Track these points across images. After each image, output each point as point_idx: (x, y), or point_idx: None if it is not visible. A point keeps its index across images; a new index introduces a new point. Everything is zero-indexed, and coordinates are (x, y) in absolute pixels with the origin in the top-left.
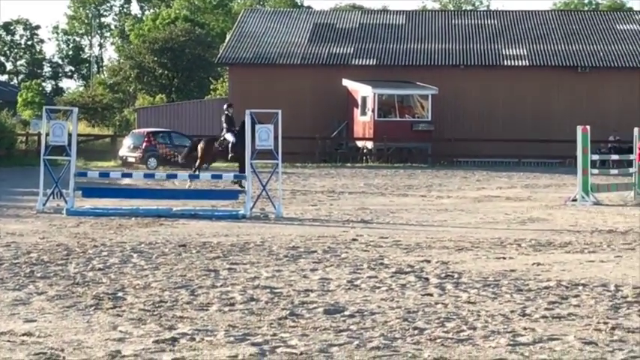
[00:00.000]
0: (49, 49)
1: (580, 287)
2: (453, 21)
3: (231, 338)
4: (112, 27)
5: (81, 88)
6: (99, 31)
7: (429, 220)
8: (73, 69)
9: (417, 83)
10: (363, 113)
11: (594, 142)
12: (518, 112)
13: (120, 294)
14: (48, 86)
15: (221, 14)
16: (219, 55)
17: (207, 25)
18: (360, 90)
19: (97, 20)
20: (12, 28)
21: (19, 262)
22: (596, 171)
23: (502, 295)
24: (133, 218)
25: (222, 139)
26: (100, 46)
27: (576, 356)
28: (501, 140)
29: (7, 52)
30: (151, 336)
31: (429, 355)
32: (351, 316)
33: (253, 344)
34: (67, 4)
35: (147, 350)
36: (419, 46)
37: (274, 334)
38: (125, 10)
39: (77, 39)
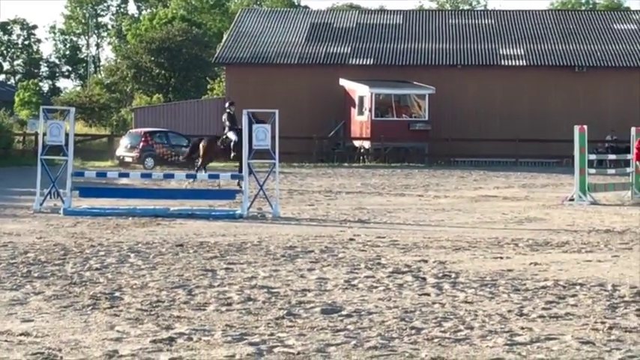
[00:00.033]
0: (46, 49)
1: (577, 287)
2: (450, 21)
3: (229, 338)
4: (109, 27)
5: (78, 88)
6: (96, 31)
7: (426, 219)
8: (70, 69)
9: (414, 83)
10: (361, 113)
11: (591, 142)
12: (516, 112)
13: (117, 294)
14: (45, 86)
15: (218, 14)
16: (216, 55)
17: (205, 25)
18: (358, 90)
19: (94, 20)
20: (9, 27)
21: (17, 261)
22: (593, 171)
23: (499, 294)
24: (130, 218)
25: (224, 137)
26: (97, 45)
27: (573, 356)
28: (499, 140)
29: (4, 51)
30: (149, 336)
31: (426, 355)
32: (349, 315)
33: (250, 344)
34: (64, 4)
35: (144, 350)
36: (416, 46)
37: (271, 334)
38: (122, 9)
39: (74, 39)
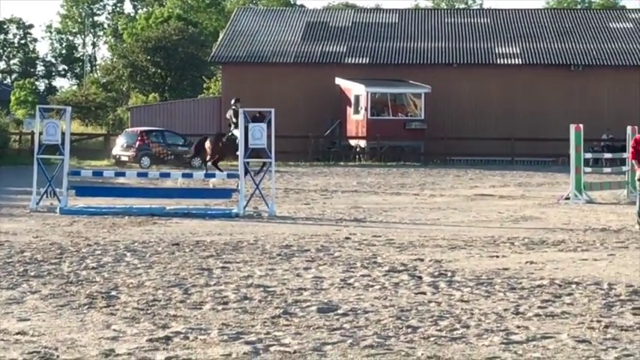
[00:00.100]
0: (42, 48)
1: (573, 285)
2: (446, 19)
3: (225, 337)
4: (105, 26)
5: (74, 87)
6: (92, 30)
7: (422, 218)
8: (66, 68)
9: (410, 82)
10: (356, 112)
11: (587, 141)
12: (512, 111)
13: (113, 293)
14: (41, 85)
15: (214, 13)
16: (212, 54)
17: (201, 24)
18: (353, 88)
19: (90, 19)
20: (5, 27)
21: (13, 261)
22: (589, 169)
23: (495, 293)
24: (127, 217)
25: (229, 134)
26: (93, 45)
27: (569, 354)
28: (494, 139)
29: (0, 51)
30: (145, 335)
31: (422, 354)
32: (345, 314)
33: (247, 343)
34: (60, 3)
35: (140, 349)
36: (412, 45)
37: (268, 333)
38: (118, 9)
39: (70, 38)
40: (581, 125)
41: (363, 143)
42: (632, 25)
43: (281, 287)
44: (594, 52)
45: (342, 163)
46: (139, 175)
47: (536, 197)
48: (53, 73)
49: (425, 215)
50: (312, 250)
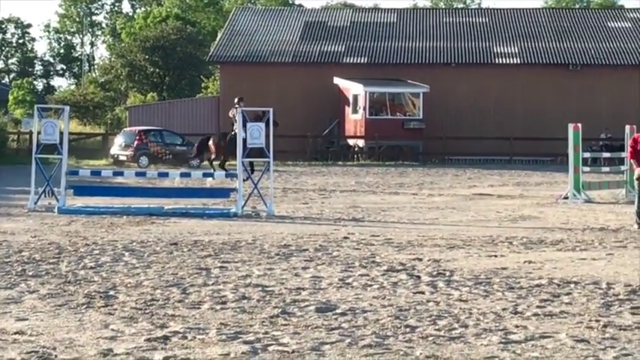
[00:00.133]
0: (41, 48)
1: (572, 285)
2: (445, 19)
3: (223, 336)
4: (104, 25)
5: (72, 87)
6: (90, 30)
7: (421, 218)
8: (64, 67)
9: (409, 81)
10: (355, 111)
11: (585, 140)
12: (510, 110)
13: (112, 292)
14: (39, 85)
15: (212, 12)
16: (210, 54)
17: (199, 24)
18: (352, 88)
19: (89, 18)
20: (3, 26)
21: (11, 260)
22: (587, 169)
23: (494, 292)
24: (125, 217)
25: (232, 133)
26: (92, 44)
27: (568, 354)
28: (493, 138)
29: None
30: (143, 334)
31: (420, 353)
32: (343, 314)
33: (245, 342)
34: (58, 3)
35: (139, 348)
36: (410, 44)
37: (266, 333)
38: (116, 8)
39: (68, 37)
40: (579, 124)
41: (361, 143)
42: (630, 25)
43: (279, 287)
44: (593, 52)
45: (340, 163)
46: (137, 174)
47: (534, 197)
48: (51, 73)
49: (423, 215)
50: (311, 250)
